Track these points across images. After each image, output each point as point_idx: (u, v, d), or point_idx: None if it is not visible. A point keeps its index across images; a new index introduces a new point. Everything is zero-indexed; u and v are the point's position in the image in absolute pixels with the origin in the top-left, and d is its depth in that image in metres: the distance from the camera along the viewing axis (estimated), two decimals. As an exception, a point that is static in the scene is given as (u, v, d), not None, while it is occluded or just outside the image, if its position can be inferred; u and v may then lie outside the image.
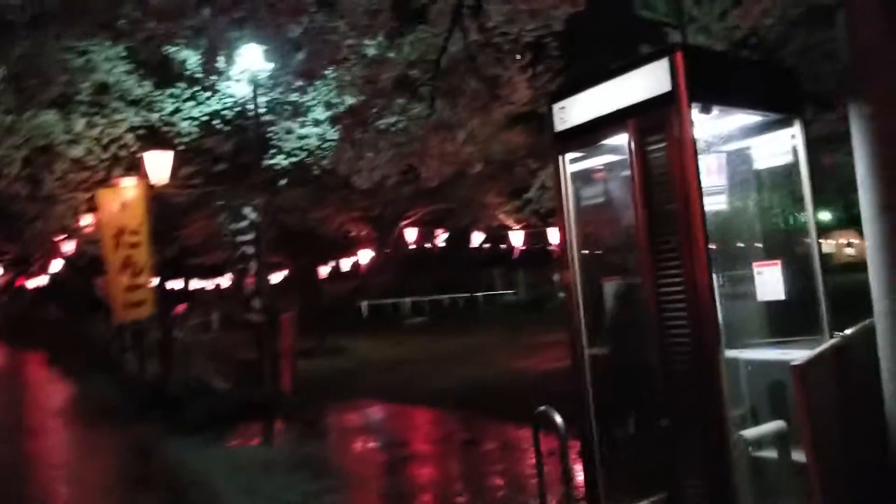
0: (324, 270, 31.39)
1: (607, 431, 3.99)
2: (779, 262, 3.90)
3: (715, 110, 3.45)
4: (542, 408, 4.67)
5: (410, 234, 21.19)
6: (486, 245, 25.68)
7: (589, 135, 3.86)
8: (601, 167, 4.19)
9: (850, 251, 64.71)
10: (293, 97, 16.61)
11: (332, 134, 16.51)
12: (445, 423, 8.85)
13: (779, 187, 4.08)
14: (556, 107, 4.02)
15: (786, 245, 4.08)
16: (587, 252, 4.13)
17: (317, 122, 16.17)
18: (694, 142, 3.29)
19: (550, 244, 17.64)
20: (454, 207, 20.29)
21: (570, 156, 4.03)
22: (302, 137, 16.70)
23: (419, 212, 21.32)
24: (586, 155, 4.09)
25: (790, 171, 3.92)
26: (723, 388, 3.23)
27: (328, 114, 15.32)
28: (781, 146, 3.95)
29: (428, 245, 27.05)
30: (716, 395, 3.23)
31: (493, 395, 10.14)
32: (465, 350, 17.16)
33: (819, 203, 4.09)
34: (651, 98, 3.43)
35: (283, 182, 17.41)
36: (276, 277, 30.36)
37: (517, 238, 18.02)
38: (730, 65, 3.73)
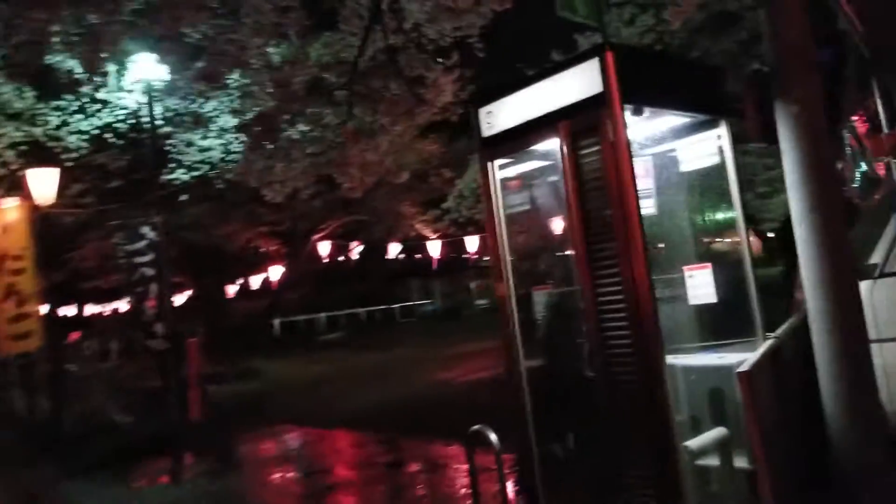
0: (231, 289, 30.12)
1: (547, 446, 3.81)
2: (709, 264, 3.86)
3: (646, 111, 3.35)
4: (476, 427, 4.47)
5: (323, 248, 20.60)
6: (403, 256, 25.40)
7: (518, 140, 3.69)
8: (532, 172, 4.03)
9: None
10: (193, 107, 15.78)
11: (238, 145, 15.80)
12: (369, 446, 8.47)
13: (706, 189, 4.06)
14: (482, 111, 3.83)
15: (715, 247, 4.06)
16: (519, 260, 3.96)
17: (221, 133, 15.38)
18: (629, 144, 3.17)
19: (468, 253, 17.59)
20: (368, 219, 19.90)
21: (499, 162, 3.84)
22: (204, 150, 15.84)
23: (332, 225, 20.78)
24: (516, 161, 3.93)
25: (716, 172, 3.90)
26: (667, 396, 3.11)
27: (234, 122, 14.61)
28: (707, 147, 3.92)
29: (342, 258, 26.51)
30: (660, 404, 3.10)
31: (416, 412, 9.84)
32: (385, 365, 16.77)
33: (720, 202, 4.12)
34: (582, 100, 3.30)
35: (183, 198, 16.48)
36: (179, 299, 28.88)
37: (435, 248, 17.85)
38: (661, 64, 3.66)
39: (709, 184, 3.99)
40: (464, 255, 37.40)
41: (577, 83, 3.31)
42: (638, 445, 3.22)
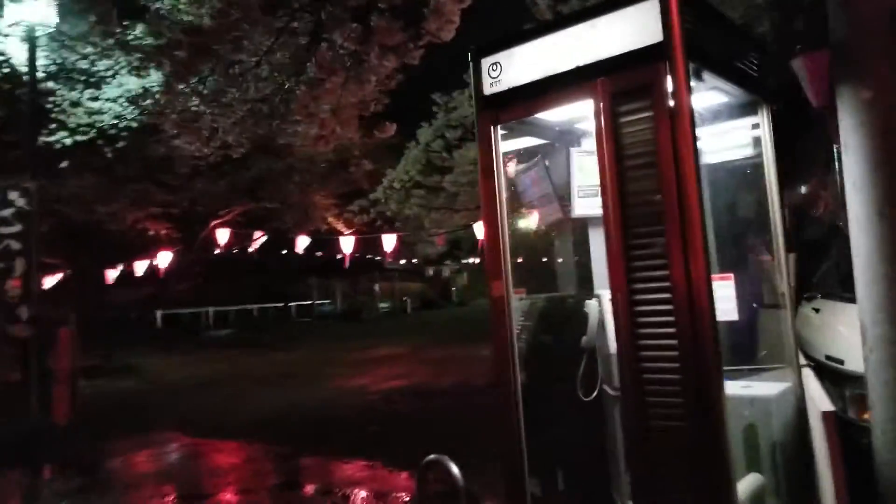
0: (112, 274, 27.43)
1: (544, 489, 3.06)
2: (731, 275, 3.24)
3: (705, 78, 2.68)
4: (433, 456, 3.71)
5: (222, 235, 18.93)
6: (308, 251, 24.01)
7: (533, 100, 2.91)
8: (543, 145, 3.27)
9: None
10: (84, 64, 13.96)
11: (133, 112, 14.13)
12: (266, 462, 7.39)
13: (738, 186, 3.45)
14: (485, 62, 3.02)
15: (743, 255, 3.46)
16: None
17: (124, 95, 13.65)
18: (692, 111, 2.46)
19: (383, 252, 16.63)
20: (278, 207, 18.50)
21: (503, 132, 3.05)
22: (93, 113, 14.06)
23: (235, 210, 19.18)
24: (523, 128, 3.15)
25: (750, 165, 3.30)
26: (726, 431, 2.42)
27: (133, 84, 12.98)
28: (740, 137, 3.33)
29: (240, 249, 24.70)
30: (715, 440, 2.41)
31: (321, 423, 8.83)
32: (282, 368, 15.49)
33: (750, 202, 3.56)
34: (631, 52, 2.56)
35: (64, 164, 14.57)
36: (50, 281, 25.96)
37: (347, 244, 16.76)
38: (722, 22, 3.00)
39: (741, 179, 3.38)
40: (371, 256, 36.38)
41: (625, 30, 2.58)
42: (675, 491, 2.51)
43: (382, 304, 43.46)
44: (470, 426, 7.75)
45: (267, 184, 17.54)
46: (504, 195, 3.02)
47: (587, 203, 3.55)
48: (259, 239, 18.47)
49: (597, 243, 3.63)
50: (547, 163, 3.69)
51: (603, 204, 2.66)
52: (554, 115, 3.33)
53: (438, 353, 16.04)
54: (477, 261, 55.40)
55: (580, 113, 3.30)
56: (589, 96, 2.69)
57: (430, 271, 52.92)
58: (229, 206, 18.87)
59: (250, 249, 24.13)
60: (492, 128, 3.01)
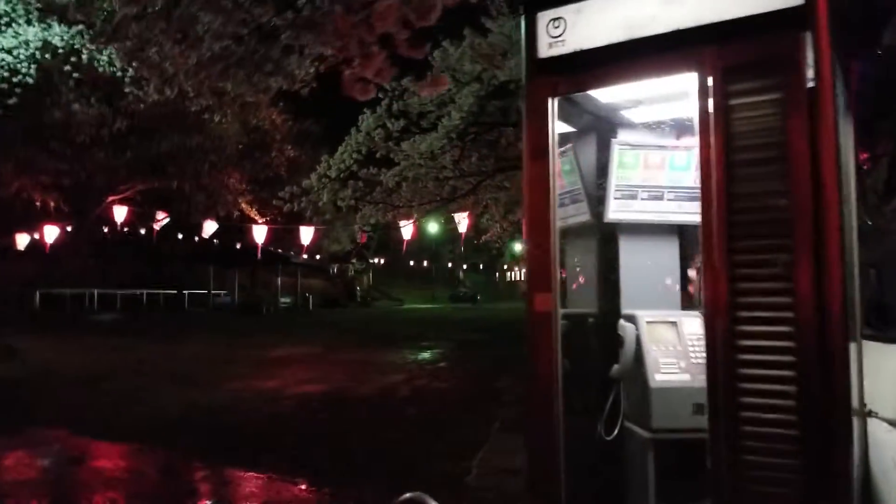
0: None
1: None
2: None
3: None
4: (409, 495, 3.05)
5: (119, 213, 17.21)
6: (207, 238, 22.39)
7: (610, 68, 2.31)
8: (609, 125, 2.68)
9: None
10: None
11: (28, 66, 12.47)
12: (174, 472, 6.40)
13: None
14: (543, 17, 2.41)
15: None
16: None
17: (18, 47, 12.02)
18: (835, 98, 1.95)
19: (299, 245, 15.63)
20: (185, 188, 17.01)
21: (559, 106, 2.43)
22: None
23: (137, 187, 17.48)
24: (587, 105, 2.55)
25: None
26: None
27: (30, 35, 11.43)
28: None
29: (136, 229, 22.75)
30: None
31: (228, 431, 7.84)
32: (179, 362, 14.12)
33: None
34: (757, 16, 2.02)
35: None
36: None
37: (260, 233, 15.62)
38: None
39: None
40: (274, 248, 34.74)
41: (749, -11, 2.04)
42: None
43: (284, 300, 41.72)
44: (400, 441, 7.09)
45: (176, 161, 16.08)
46: (557, 187, 2.41)
47: (624, 206, 3.01)
48: (161, 220, 16.91)
49: (631, 254, 3.09)
50: (578, 154, 3.12)
51: (703, 206, 2.09)
52: (607, 94, 2.76)
53: (350, 356, 15.22)
54: (383, 261, 54.84)
55: (636, 95, 2.76)
56: (691, 69, 2.13)
57: (335, 269, 51.64)
58: (131, 181, 17.18)
59: (144, 231, 22.28)
60: (549, 100, 2.38)
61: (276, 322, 28.87)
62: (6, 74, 13.19)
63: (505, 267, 72.23)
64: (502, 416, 7.95)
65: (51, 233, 20.63)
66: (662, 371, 2.75)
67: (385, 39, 3.59)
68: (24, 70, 13.14)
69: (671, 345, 2.81)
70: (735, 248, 2.04)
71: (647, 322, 2.85)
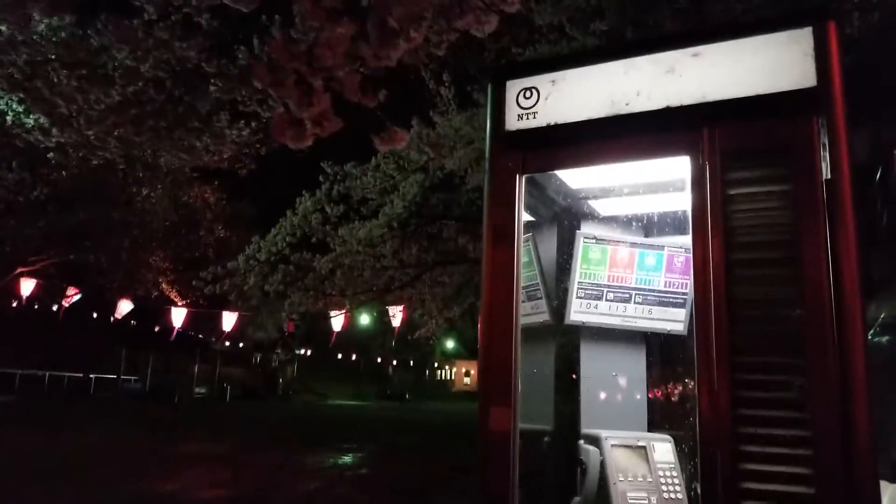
0: None
1: None
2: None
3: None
4: None
5: (27, 287, 15.88)
6: (121, 318, 20.96)
7: (588, 146, 2.01)
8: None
9: (467, 380, 72.40)
10: None
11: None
12: None
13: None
14: (513, 86, 2.12)
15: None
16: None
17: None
18: (853, 188, 1.68)
19: (222, 331, 14.69)
20: (102, 263, 15.92)
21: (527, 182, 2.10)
22: None
23: (50, 259, 16.25)
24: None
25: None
26: None
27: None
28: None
29: (43, 305, 21.14)
30: None
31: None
32: (76, 455, 12.63)
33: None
34: (764, 96, 1.77)
35: None
36: None
37: (179, 316, 14.62)
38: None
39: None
40: (192, 332, 32.95)
41: (753, 66, 1.80)
42: None
43: (199, 389, 39.21)
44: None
45: (95, 234, 15.10)
46: (521, 274, 2.03)
47: (588, 307, 2.65)
48: (72, 296, 15.67)
49: (594, 362, 2.71)
50: (537, 246, 2.78)
51: (698, 314, 1.75)
52: (577, 179, 2.46)
53: (265, 457, 14.00)
54: (309, 352, 52.81)
55: (610, 182, 2.47)
56: (686, 152, 1.84)
57: (257, 358, 49.42)
58: (45, 252, 15.98)
59: (56, 307, 20.70)
60: (516, 177, 2.04)
61: (189, 413, 26.85)
62: None
63: (436, 365, 70.95)
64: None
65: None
66: (632, 508, 2.31)
67: (331, 84, 3.24)
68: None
69: (640, 475, 2.39)
70: (738, 365, 1.68)
71: (613, 445, 2.44)
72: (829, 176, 1.66)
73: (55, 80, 4.17)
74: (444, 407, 39.17)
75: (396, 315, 12.95)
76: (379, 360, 64.19)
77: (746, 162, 1.76)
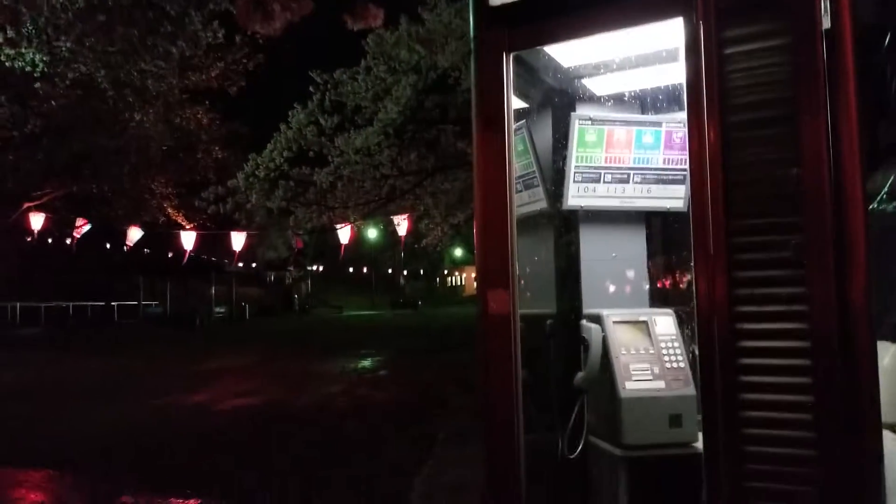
0: None
1: None
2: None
3: None
4: None
5: (37, 221, 15.96)
6: (136, 246, 21.15)
7: (577, 16, 1.91)
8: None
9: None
10: None
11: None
12: (80, 501, 5.70)
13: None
14: (491, -44, 1.99)
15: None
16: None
17: None
18: (856, 40, 1.61)
19: (231, 251, 14.81)
20: (105, 193, 15.91)
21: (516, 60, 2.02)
22: None
23: (54, 192, 16.25)
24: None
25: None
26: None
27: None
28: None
29: (58, 238, 21.31)
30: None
31: (150, 450, 7.16)
32: (106, 377, 13.15)
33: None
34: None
35: None
36: None
37: (188, 239, 14.73)
38: None
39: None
40: (206, 256, 33.36)
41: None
42: None
43: (218, 309, 40.17)
44: (339, 460, 6.55)
45: (93, 163, 14.99)
46: (514, 162, 2.00)
47: (586, 190, 2.63)
48: (81, 227, 15.77)
49: (593, 245, 2.71)
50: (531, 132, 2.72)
51: (693, 181, 1.72)
52: (569, 56, 2.37)
53: (286, 367, 14.50)
54: (321, 269, 53.61)
55: (603, 56, 2.38)
56: (678, 12, 1.76)
57: (272, 276, 50.21)
58: (46, 185, 15.95)
59: (68, 239, 20.90)
60: (503, 57, 1.97)
61: (210, 333, 27.67)
62: None
63: (445, 272, 71.99)
64: (448, 426, 7.53)
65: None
66: (633, 378, 2.38)
67: None
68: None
69: (642, 348, 2.44)
70: (734, 229, 1.67)
71: (614, 322, 2.48)
72: (828, 26, 1.59)
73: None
74: (455, 311, 39.98)
75: (401, 224, 12.98)
76: (390, 270, 65.18)
77: (742, 17, 1.67)
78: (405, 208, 12.93)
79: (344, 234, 13.90)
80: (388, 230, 16.90)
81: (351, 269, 59.02)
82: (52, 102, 12.65)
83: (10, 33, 4.61)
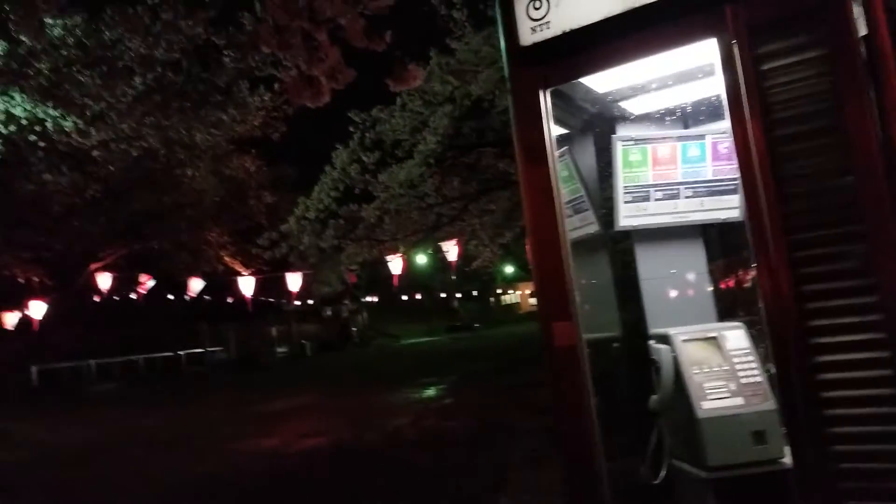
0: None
1: None
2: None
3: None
4: None
5: (104, 281, 16.71)
6: (197, 295, 21.89)
7: (610, 47, 1.94)
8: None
9: (533, 301, 73.04)
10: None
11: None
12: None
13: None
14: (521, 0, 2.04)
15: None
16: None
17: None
18: (893, 36, 1.59)
19: (289, 292, 15.19)
20: (165, 248, 16.57)
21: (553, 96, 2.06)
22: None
23: (116, 252, 17.00)
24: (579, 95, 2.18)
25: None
26: None
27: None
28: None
29: (124, 295, 22.25)
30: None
31: (242, 495, 7.34)
32: (180, 426, 13.54)
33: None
34: (784, -40, 1.67)
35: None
36: None
37: (247, 285, 15.17)
38: None
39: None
40: (264, 297, 34.18)
41: (770, -70, 1.69)
42: None
43: (280, 349, 40.99)
44: (414, 492, 6.58)
45: (152, 221, 15.69)
46: (563, 188, 2.03)
47: (636, 210, 2.63)
48: (146, 283, 16.42)
49: (651, 264, 2.70)
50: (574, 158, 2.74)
51: (747, 197, 1.72)
52: (604, 83, 2.39)
53: (352, 402, 14.63)
54: (376, 299, 54.18)
55: (640, 79, 2.40)
56: (710, 34, 1.77)
57: (328, 311, 50.96)
58: (111, 246, 16.73)
59: (134, 295, 21.79)
60: (540, 93, 2.01)
61: (275, 373, 28.21)
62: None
63: (499, 291, 71.66)
64: (519, 450, 7.47)
65: (38, 308, 20.07)
66: (709, 397, 2.34)
67: (336, 34, 3.22)
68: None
69: (715, 365, 2.40)
70: (794, 242, 1.65)
71: (683, 340, 2.45)
72: (865, 32, 1.57)
73: (81, 80, 4.29)
74: (513, 330, 39.74)
75: (451, 250, 13.07)
76: (443, 295, 65.28)
77: (775, 32, 1.67)
78: (453, 233, 13.02)
79: (396, 265, 14.07)
80: (438, 256, 17.03)
81: (405, 297, 59.43)
82: (110, 167, 13.32)
83: (79, 124, 4.95)
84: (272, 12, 3.18)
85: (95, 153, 11.69)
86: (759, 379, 2.37)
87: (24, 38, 4.89)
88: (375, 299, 54.02)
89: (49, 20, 4.84)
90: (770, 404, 2.29)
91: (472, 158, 11.03)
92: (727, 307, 2.69)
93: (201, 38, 4.02)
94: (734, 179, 2.59)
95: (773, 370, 1.77)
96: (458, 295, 66.23)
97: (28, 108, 12.97)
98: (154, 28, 3.90)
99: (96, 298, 20.12)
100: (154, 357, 34.87)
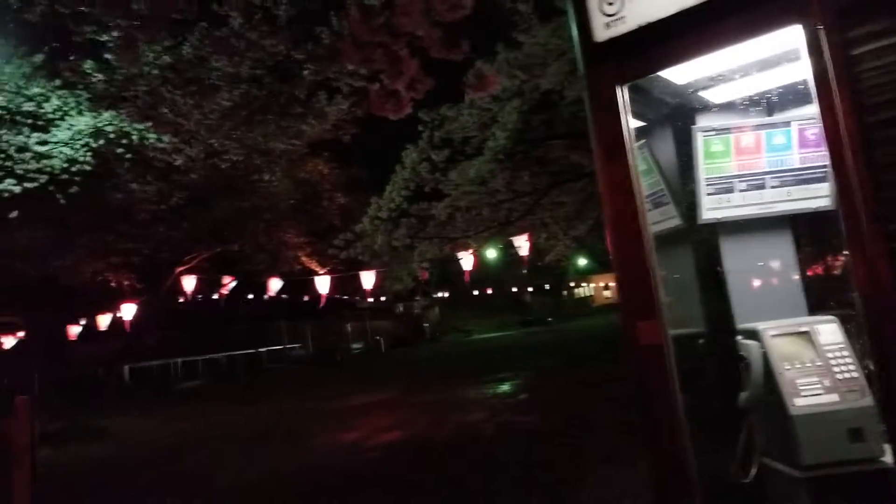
0: (74, 330, 25.81)
1: None
2: None
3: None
4: None
5: (189, 283, 17.59)
6: (276, 294, 22.71)
7: (687, 40, 1.91)
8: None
9: (607, 293, 71.78)
10: (29, 105, 12.77)
11: (84, 154, 12.92)
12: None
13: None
14: (595, -6, 2.03)
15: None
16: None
17: (74, 137, 12.38)
18: None
19: (363, 290, 15.54)
20: (246, 250, 17.26)
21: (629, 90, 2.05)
22: (42, 157, 12.80)
23: (201, 255, 17.84)
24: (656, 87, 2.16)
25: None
26: None
27: (84, 123, 11.78)
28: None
29: (207, 296, 23.34)
30: None
31: (313, 492, 7.58)
32: (264, 421, 14.10)
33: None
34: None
35: (13, 214, 13.27)
36: (7, 342, 24.35)
37: (323, 284, 15.61)
38: None
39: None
40: (339, 295, 35.05)
41: None
42: None
43: (355, 345, 41.93)
44: (494, 486, 6.62)
45: (232, 225, 16.39)
46: (643, 182, 2.02)
47: (720, 202, 2.57)
48: (229, 284, 17.15)
49: (737, 257, 2.64)
50: (654, 151, 2.70)
51: (840, 186, 1.66)
52: (682, 74, 2.35)
53: (428, 397, 14.82)
54: (447, 295, 54.53)
55: (719, 69, 2.34)
56: (794, 20, 1.72)
57: (401, 307, 51.63)
58: (194, 251, 17.58)
59: (216, 296, 22.81)
60: (617, 89, 2.00)
61: (351, 368, 28.88)
62: (66, 165, 13.68)
63: (572, 284, 70.69)
64: (598, 445, 7.40)
65: (128, 310, 21.35)
66: (803, 394, 2.27)
67: (414, 45, 3.28)
68: (81, 158, 13.59)
69: (808, 360, 2.33)
70: (892, 232, 1.59)
71: (773, 335, 2.38)
72: (968, 9, 1.49)
73: (174, 101, 4.55)
74: (586, 324, 39.15)
75: (522, 245, 13.02)
76: (515, 289, 64.93)
77: (864, 15, 1.61)
78: (524, 228, 12.96)
79: (467, 261, 14.15)
80: (510, 251, 17.01)
81: (476, 293, 59.52)
82: (192, 175, 13.97)
83: (173, 141, 5.27)
84: (353, 28, 3.27)
85: (179, 162, 12.30)
86: (855, 374, 2.28)
87: (121, 66, 5.25)
88: (447, 295, 54.37)
89: (143, 46, 5.19)
90: (868, 401, 2.19)
91: (542, 151, 10.95)
92: (818, 300, 2.59)
93: (283, 55, 4.19)
94: (823, 167, 2.49)
95: (871, 366, 1.70)
96: (530, 289, 65.73)
97: (116, 123, 13.74)
98: (239, 48, 4.10)
99: (181, 300, 21.19)
100: (235, 355, 36.36)
